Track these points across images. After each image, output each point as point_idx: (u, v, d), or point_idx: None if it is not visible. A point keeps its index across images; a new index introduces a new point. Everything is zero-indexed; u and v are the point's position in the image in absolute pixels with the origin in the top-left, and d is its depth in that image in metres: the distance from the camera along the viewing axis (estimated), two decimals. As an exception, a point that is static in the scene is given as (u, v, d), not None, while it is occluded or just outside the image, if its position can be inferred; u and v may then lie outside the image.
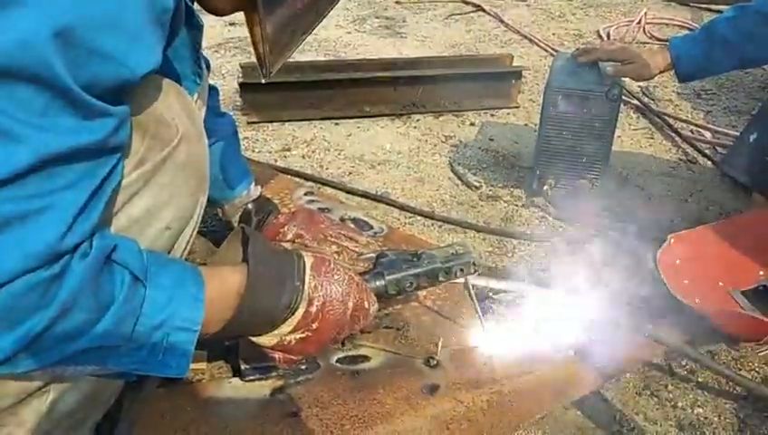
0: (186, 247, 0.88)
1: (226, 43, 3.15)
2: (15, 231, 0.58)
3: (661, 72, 1.63)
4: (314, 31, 0.97)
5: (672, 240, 1.36)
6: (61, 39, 0.56)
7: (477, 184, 1.91)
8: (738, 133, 1.71)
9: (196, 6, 0.88)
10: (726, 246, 1.36)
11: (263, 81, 0.91)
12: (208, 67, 1.25)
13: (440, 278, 1.07)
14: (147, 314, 0.69)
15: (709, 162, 2.01)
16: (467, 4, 4.03)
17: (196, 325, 0.72)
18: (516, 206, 1.81)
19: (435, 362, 1.14)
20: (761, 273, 1.30)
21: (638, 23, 3.29)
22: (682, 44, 1.59)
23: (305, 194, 1.72)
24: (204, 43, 2.92)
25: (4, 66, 0.54)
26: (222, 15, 0.87)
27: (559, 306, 1.31)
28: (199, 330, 0.73)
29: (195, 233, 0.90)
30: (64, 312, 0.62)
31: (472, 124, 2.38)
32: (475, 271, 1.11)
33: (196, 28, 0.89)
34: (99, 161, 0.65)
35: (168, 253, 0.84)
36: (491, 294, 1.35)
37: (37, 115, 0.57)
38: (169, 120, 0.77)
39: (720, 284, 1.25)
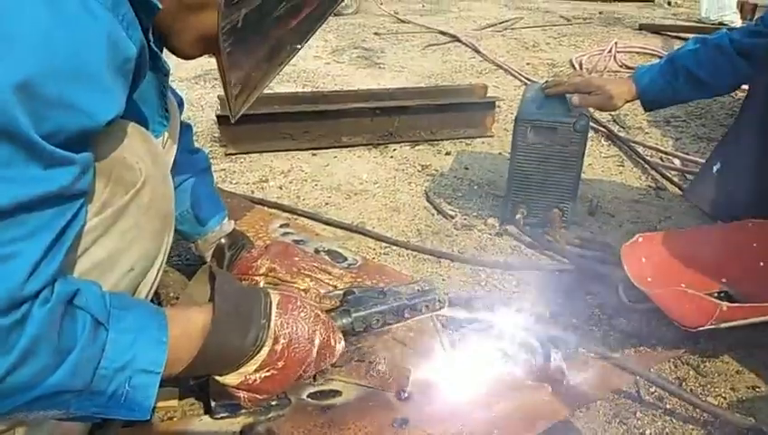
0: (151, 287, 0.89)
1: (206, 74, 3.19)
2: None
3: (627, 102, 1.67)
4: (293, 61, 1.00)
5: (640, 238, 1.39)
6: (23, 92, 0.58)
7: (452, 213, 1.94)
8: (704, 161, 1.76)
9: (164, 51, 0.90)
10: (692, 251, 1.39)
11: (231, 121, 0.93)
12: (181, 104, 1.27)
13: (406, 315, 1.08)
14: (109, 357, 0.70)
15: (678, 189, 2.06)
16: (444, 34, 4.13)
17: (158, 368, 0.73)
18: (490, 235, 1.83)
19: (405, 394, 1.14)
20: (723, 280, 1.33)
21: (609, 51, 3.38)
22: (646, 75, 1.64)
23: (281, 226, 1.73)
24: (183, 75, 2.96)
25: None
26: (189, 59, 0.89)
27: (529, 335, 1.32)
28: (162, 372, 0.73)
29: (160, 273, 0.90)
30: (25, 358, 0.63)
31: (448, 153, 2.42)
32: (441, 307, 1.12)
33: (162, 72, 0.91)
34: (62, 208, 0.66)
35: (133, 294, 0.84)
36: (463, 323, 1.37)
37: (1, 166, 0.59)
38: (133, 163, 0.79)
39: (681, 285, 1.27)
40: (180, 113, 1.22)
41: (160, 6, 0.76)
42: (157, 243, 0.86)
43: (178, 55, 0.90)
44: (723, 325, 1.20)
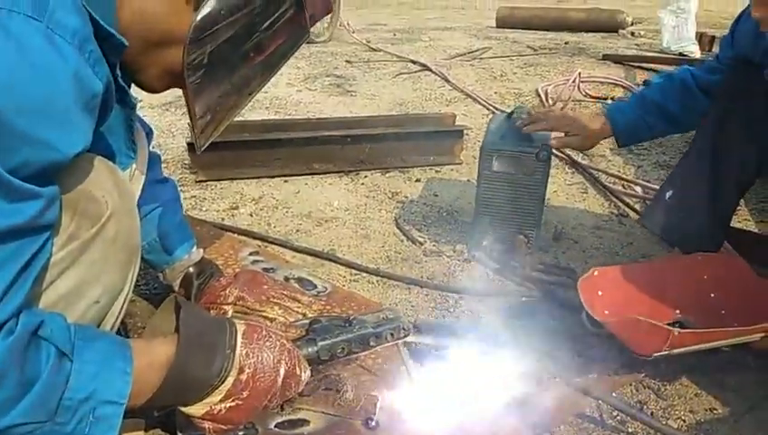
0: (117, 318, 0.89)
1: (176, 101, 3.20)
2: None
3: (600, 140, 1.74)
4: (265, 88, 1.02)
5: (595, 272, 1.43)
6: None
7: (421, 240, 1.97)
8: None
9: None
10: (647, 284, 1.44)
11: (198, 152, 0.95)
12: (150, 134, 1.28)
13: (371, 343, 1.09)
14: (73, 388, 0.70)
15: (639, 216, 2.12)
16: (414, 63, 4.21)
17: (122, 398, 0.73)
18: (459, 261, 1.86)
19: (374, 422, 1.15)
20: (677, 311, 1.38)
21: (574, 81, 3.49)
22: (618, 112, 1.71)
23: (250, 254, 1.74)
24: (153, 101, 2.96)
25: None
26: (156, 93, 0.91)
27: (495, 361, 1.35)
28: (126, 403, 0.74)
29: (126, 304, 0.91)
30: (-13, 391, 0.63)
31: (417, 180, 2.45)
32: (405, 335, 1.14)
33: (129, 106, 0.93)
34: (28, 240, 0.67)
35: (99, 325, 0.85)
36: (432, 350, 1.38)
37: None
38: (99, 196, 0.80)
39: (639, 317, 1.32)
40: (149, 144, 1.23)
41: (126, 44, 0.78)
42: (122, 275, 0.87)
43: (145, 89, 0.92)
44: (675, 351, 1.25)
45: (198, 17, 0.82)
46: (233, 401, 0.88)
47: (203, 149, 0.93)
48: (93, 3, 0.74)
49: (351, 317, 1.10)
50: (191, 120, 0.91)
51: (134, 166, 1.01)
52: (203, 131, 0.92)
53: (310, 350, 1.02)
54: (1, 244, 0.64)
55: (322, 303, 1.49)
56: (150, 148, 1.24)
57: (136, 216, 0.89)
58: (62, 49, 0.66)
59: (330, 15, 4.75)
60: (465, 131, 2.66)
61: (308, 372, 0.97)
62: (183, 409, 0.89)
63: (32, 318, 0.68)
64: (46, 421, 0.69)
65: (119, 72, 0.82)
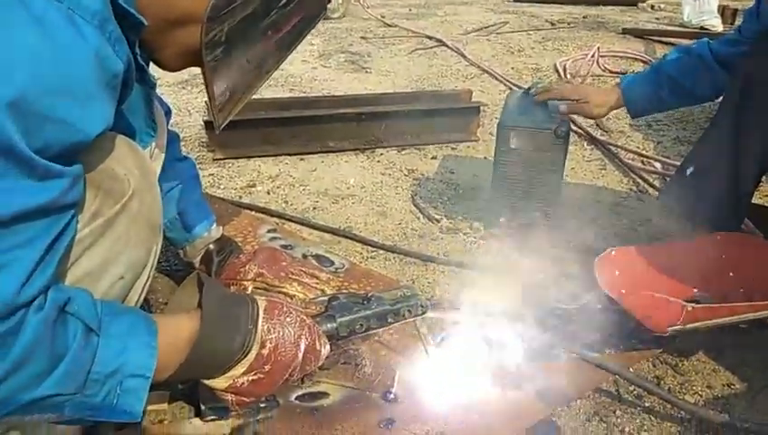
0: (141, 294, 0.91)
1: (193, 79, 3.21)
2: None
3: (613, 110, 1.72)
4: (280, 67, 1.02)
5: (613, 252, 1.43)
6: (15, 108, 0.60)
7: (438, 217, 1.97)
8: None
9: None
10: (664, 264, 1.43)
11: (216, 132, 0.95)
12: (169, 113, 1.29)
13: (389, 320, 1.10)
14: (100, 362, 0.72)
15: (658, 193, 2.10)
16: (430, 38, 4.16)
17: (148, 372, 0.75)
18: (475, 238, 1.87)
19: (391, 395, 1.17)
20: (695, 290, 1.37)
21: (593, 56, 3.43)
22: (632, 84, 1.69)
23: (268, 231, 1.76)
24: (170, 80, 2.96)
25: None
26: (174, 72, 0.92)
27: (512, 337, 1.36)
28: (152, 376, 0.76)
29: (150, 279, 0.92)
30: (19, 364, 0.65)
31: (433, 158, 2.45)
32: (423, 312, 1.15)
33: (148, 85, 0.94)
34: (54, 218, 0.69)
35: (123, 301, 0.86)
36: (449, 325, 1.40)
37: None
38: (121, 175, 0.81)
39: (652, 293, 1.31)
40: (168, 122, 1.24)
41: (145, 23, 0.78)
42: (145, 251, 0.88)
43: (163, 68, 0.93)
44: (689, 326, 1.24)
45: None
46: (255, 374, 0.90)
47: (222, 127, 0.94)
48: None
49: (369, 294, 1.11)
50: (209, 98, 0.91)
51: (154, 144, 1.02)
52: (221, 110, 0.93)
53: (329, 326, 1.04)
54: (28, 222, 0.65)
55: (340, 279, 1.50)
56: (169, 126, 1.26)
57: (158, 193, 0.90)
58: (83, 29, 0.66)
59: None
60: (481, 108, 2.64)
61: (327, 348, 0.99)
62: (206, 382, 0.91)
63: (59, 294, 0.70)
64: (75, 393, 0.72)
65: (138, 50, 0.83)
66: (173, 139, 1.29)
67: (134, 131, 0.95)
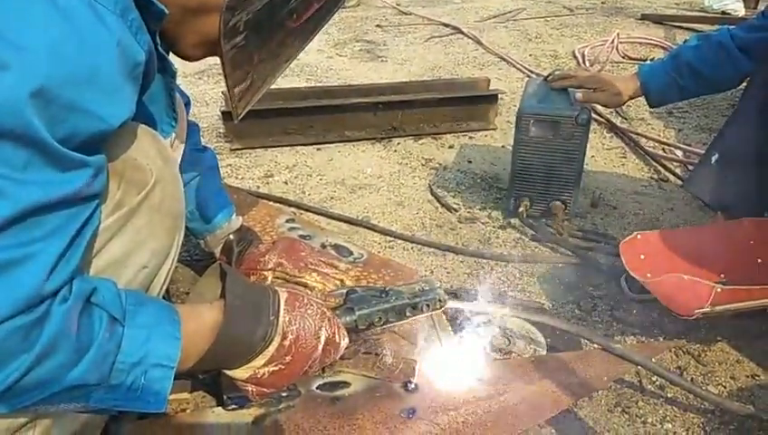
0: (163, 284, 0.91)
1: (209, 69, 3.21)
2: (0, 280, 0.61)
3: (631, 99, 1.69)
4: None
5: (638, 236, 1.41)
6: (38, 98, 0.60)
7: (456, 206, 1.96)
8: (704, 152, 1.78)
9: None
10: (690, 249, 1.41)
11: (235, 121, 0.95)
12: (188, 104, 1.29)
13: (408, 314, 1.10)
14: (125, 352, 0.72)
15: (680, 181, 2.07)
16: (446, 26, 4.12)
17: (172, 362, 0.76)
18: (494, 227, 1.85)
19: (412, 385, 1.17)
20: (721, 276, 1.36)
21: (612, 42, 3.38)
22: (650, 72, 1.66)
23: (287, 221, 1.76)
24: (187, 70, 2.96)
25: None
26: (193, 61, 0.91)
27: (533, 327, 1.35)
28: (176, 366, 0.76)
29: (172, 269, 0.93)
30: (45, 354, 0.65)
31: (451, 147, 2.43)
32: (441, 307, 1.14)
33: (169, 74, 0.93)
34: (78, 209, 0.69)
35: (146, 291, 0.87)
36: (467, 315, 1.39)
37: (18, 170, 0.61)
38: (144, 164, 0.81)
39: (680, 275, 1.30)
40: (187, 113, 1.24)
41: (166, 11, 0.78)
42: (168, 240, 0.88)
43: (183, 58, 0.92)
44: (717, 309, 1.22)
45: None
46: (276, 365, 0.91)
47: (240, 117, 0.93)
48: None
49: (388, 288, 1.11)
50: (228, 88, 0.91)
51: (174, 134, 1.02)
52: (240, 100, 0.92)
53: (348, 318, 1.04)
54: (53, 213, 0.65)
55: (359, 269, 1.50)
56: (188, 117, 1.26)
57: (180, 182, 0.90)
58: (106, 18, 0.66)
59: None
60: (499, 96, 2.62)
61: (346, 340, 0.99)
62: (228, 372, 0.91)
63: (84, 285, 0.70)
64: (100, 383, 0.72)
65: (159, 39, 0.82)
66: (193, 129, 1.29)
67: (155, 121, 0.95)
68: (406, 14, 4.71)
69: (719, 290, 1.19)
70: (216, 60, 0.87)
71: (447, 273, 1.63)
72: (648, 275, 1.32)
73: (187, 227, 1.24)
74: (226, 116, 2.37)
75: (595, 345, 1.30)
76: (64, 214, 0.67)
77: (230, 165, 2.24)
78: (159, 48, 0.83)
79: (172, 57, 0.93)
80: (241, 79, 0.90)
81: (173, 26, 0.84)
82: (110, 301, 0.72)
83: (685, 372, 1.29)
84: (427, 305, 1.12)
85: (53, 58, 0.61)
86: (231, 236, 1.36)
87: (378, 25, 4.32)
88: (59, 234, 0.66)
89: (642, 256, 1.37)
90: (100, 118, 0.67)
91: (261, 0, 0.84)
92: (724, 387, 1.26)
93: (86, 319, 0.69)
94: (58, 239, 0.66)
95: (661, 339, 1.38)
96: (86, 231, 0.70)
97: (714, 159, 1.52)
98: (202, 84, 3.10)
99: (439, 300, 1.13)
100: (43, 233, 0.65)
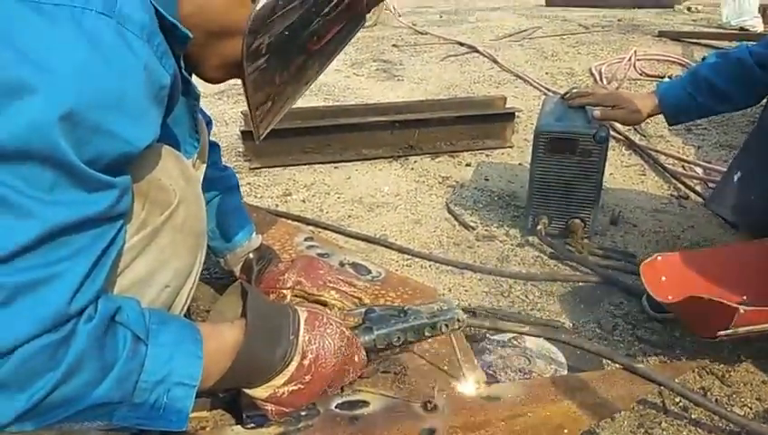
0: (185, 302, 0.92)
1: (229, 89, 3.25)
2: (27, 298, 0.63)
3: (649, 117, 1.69)
4: None
5: (659, 257, 1.40)
6: (66, 121, 0.61)
7: (473, 224, 1.96)
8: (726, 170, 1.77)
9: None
10: (712, 270, 1.40)
11: (256, 142, 0.97)
12: (210, 124, 1.31)
13: (426, 333, 1.10)
14: (148, 371, 0.73)
15: (700, 198, 2.05)
16: (462, 45, 4.15)
17: (194, 381, 0.76)
18: (512, 245, 1.85)
19: (432, 405, 1.16)
20: (744, 297, 1.34)
21: (629, 60, 3.37)
22: (669, 90, 1.66)
23: (305, 239, 1.76)
24: (207, 90, 3.02)
25: (16, 148, 0.60)
26: (215, 84, 0.93)
27: (553, 346, 1.33)
28: (198, 385, 0.76)
29: (194, 287, 0.94)
30: (71, 373, 0.66)
31: (468, 165, 2.43)
32: (460, 326, 1.14)
33: (192, 97, 0.95)
34: (103, 229, 0.70)
35: (168, 309, 0.88)
36: (487, 334, 1.38)
37: (45, 191, 0.62)
38: (167, 185, 0.83)
39: (703, 296, 1.28)
40: (209, 133, 1.26)
41: (190, 36, 0.80)
42: (191, 259, 0.89)
43: (205, 80, 0.94)
44: (741, 330, 1.20)
45: (257, 8, 0.83)
46: (295, 384, 0.91)
47: (261, 138, 0.95)
48: None
49: (406, 307, 1.11)
50: (250, 110, 0.92)
51: (196, 155, 1.04)
52: (261, 121, 0.94)
53: (367, 338, 1.04)
54: (79, 233, 0.67)
55: (377, 287, 1.50)
56: (209, 137, 1.27)
57: (202, 202, 0.92)
58: (132, 43, 0.68)
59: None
60: (515, 114, 2.62)
61: (365, 360, 0.99)
62: (247, 391, 0.92)
63: (109, 304, 0.71)
64: (123, 402, 0.73)
65: (182, 63, 0.84)
66: (214, 149, 1.31)
67: (179, 142, 0.97)
68: (422, 33, 4.75)
69: (742, 311, 1.17)
70: (235, 80, 0.89)
71: (465, 291, 1.62)
72: (670, 297, 1.30)
73: (207, 246, 1.26)
74: (246, 135, 2.40)
75: (617, 365, 1.28)
76: (90, 234, 0.68)
77: (249, 184, 2.26)
78: (183, 71, 0.85)
79: (194, 79, 0.95)
80: (262, 100, 0.92)
81: (197, 49, 0.85)
82: (134, 320, 0.73)
83: (709, 393, 1.27)
84: (446, 325, 1.11)
85: (81, 81, 0.63)
86: (251, 255, 1.37)
87: (394, 45, 4.36)
88: (85, 253, 0.68)
89: (663, 278, 1.36)
90: (126, 140, 0.68)
91: (283, 23, 0.85)
92: (750, 408, 1.23)
93: (110, 338, 0.70)
94: (84, 259, 0.68)
95: (684, 359, 1.35)
96: (111, 251, 0.71)
97: (736, 177, 1.51)
98: (221, 104, 3.14)
99: (458, 320, 1.13)
100: (69, 253, 0.66)
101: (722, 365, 1.33)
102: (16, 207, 0.61)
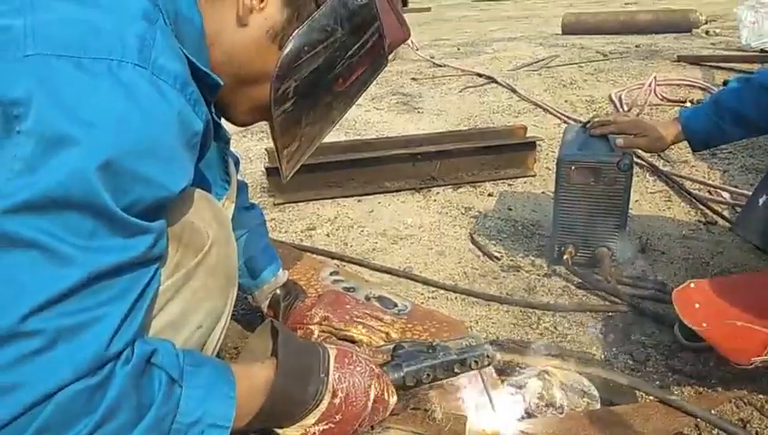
0: (217, 343, 0.93)
1: (253, 127, 3.31)
2: (67, 343, 0.64)
3: (673, 144, 1.69)
4: None
5: (692, 284, 1.38)
6: (105, 171, 0.64)
7: (498, 255, 1.95)
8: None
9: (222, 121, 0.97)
10: (747, 295, 1.37)
11: (283, 181, 0.99)
12: (237, 164, 1.34)
13: (456, 370, 1.09)
14: (183, 412, 0.73)
15: (728, 223, 2.02)
16: (480, 76, 4.18)
17: (228, 422, 0.77)
18: (538, 275, 1.83)
19: (463, 442, 1.14)
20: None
21: (649, 85, 3.37)
22: (692, 116, 1.65)
23: (331, 274, 1.77)
24: (231, 128, 3.07)
25: (57, 197, 0.62)
26: (244, 127, 0.96)
27: (584, 378, 1.31)
28: (231, 426, 0.77)
29: (226, 328, 0.95)
30: (109, 416, 0.67)
31: (490, 195, 2.44)
32: (489, 363, 1.13)
33: (223, 141, 0.98)
34: (140, 273, 0.72)
35: (201, 349, 0.89)
36: (516, 368, 1.37)
37: (85, 238, 0.64)
38: (201, 227, 0.85)
39: (736, 322, 1.25)
40: (237, 172, 1.29)
41: (221, 83, 0.83)
42: (222, 300, 0.91)
43: (235, 123, 0.97)
44: None
45: (284, 54, 0.86)
46: (326, 423, 0.91)
47: (289, 177, 0.97)
48: (189, 47, 0.79)
49: (435, 343, 1.10)
50: (277, 150, 0.95)
51: (226, 196, 1.06)
52: (288, 161, 0.96)
53: (396, 375, 1.03)
54: (117, 277, 0.68)
55: (404, 321, 1.50)
56: (237, 176, 1.30)
57: (233, 243, 0.93)
58: (167, 93, 0.70)
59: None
60: (537, 143, 2.63)
61: (395, 398, 0.99)
62: (279, 431, 0.92)
63: (145, 346, 0.73)
64: (159, 444, 0.73)
65: (213, 108, 0.87)
66: (241, 188, 1.34)
67: (210, 185, 0.99)
68: (440, 66, 4.80)
69: None
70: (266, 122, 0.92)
71: (493, 323, 1.61)
72: (704, 324, 1.28)
73: (236, 284, 1.27)
74: (270, 171, 2.44)
75: (651, 397, 1.26)
76: (127, 278, 0.70)
77: (274, 219, 2.29)
78: (214, 117, 0.87)
79: (223, 121, 0.98)
80: (290, 141, 0.94)
81: (227, 95, 0.89)
82: (168, 362, 0.74)
83: (748, 425, 1.23)
84: (476, 362, 1.11)
85: (119, 132, 0.65)
86: (278, 291, 1.38)
87: (413, 78, 4.41)
88: (123, 297, 0.69)
89: (697, 305, 1.34)
90: (162, 186, 0.70)
91: (308, 68, 0.88)
92: (793, 441, 1.20)
93: (147, 380, 0.71)
94: (122, 302, 0.69)
95: (720, 389, 1.32)
96: (147, 294, 0.73)
97: (761, 201, 1.49)
98: (246, 141, 3.20)
99: (487, 356, 1.12)
100: (107, 297, 0.67)
101: (760, 396, 1.29)
102: (58, 254, 0.63)
